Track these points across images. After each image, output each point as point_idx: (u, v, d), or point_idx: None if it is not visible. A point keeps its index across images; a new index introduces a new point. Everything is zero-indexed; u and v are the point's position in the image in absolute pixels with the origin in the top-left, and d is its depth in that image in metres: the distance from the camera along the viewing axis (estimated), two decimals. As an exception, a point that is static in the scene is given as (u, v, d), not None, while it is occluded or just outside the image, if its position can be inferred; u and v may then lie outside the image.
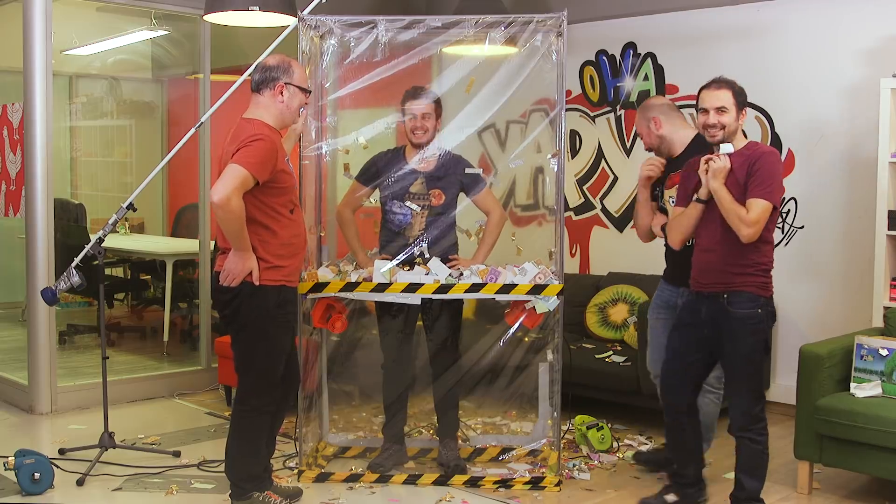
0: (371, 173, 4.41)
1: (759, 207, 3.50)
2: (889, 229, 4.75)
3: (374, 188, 4.41)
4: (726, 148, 3.60)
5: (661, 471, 4.22)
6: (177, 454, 4.58)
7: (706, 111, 3.62)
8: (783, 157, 5.50)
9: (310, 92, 3.76)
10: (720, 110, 3.60)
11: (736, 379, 3.68)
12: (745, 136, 3.71)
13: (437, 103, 4.36)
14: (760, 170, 3.53)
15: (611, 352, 5.36)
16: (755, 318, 3.59)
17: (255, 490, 3.76)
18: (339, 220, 4.50)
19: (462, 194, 4.45)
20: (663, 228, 4.01)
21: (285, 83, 3.62)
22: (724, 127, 3.60)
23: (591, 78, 6.37)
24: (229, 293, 3.62)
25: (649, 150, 4.28)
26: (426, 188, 4.36)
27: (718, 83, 3.66)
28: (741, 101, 3.64)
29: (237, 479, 3.77)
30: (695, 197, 3.67)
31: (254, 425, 3.74)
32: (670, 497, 3.91)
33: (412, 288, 4.15)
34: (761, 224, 3.52)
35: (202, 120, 4.73)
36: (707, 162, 3.61)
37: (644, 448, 4.67)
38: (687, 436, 3.86)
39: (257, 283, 3.58)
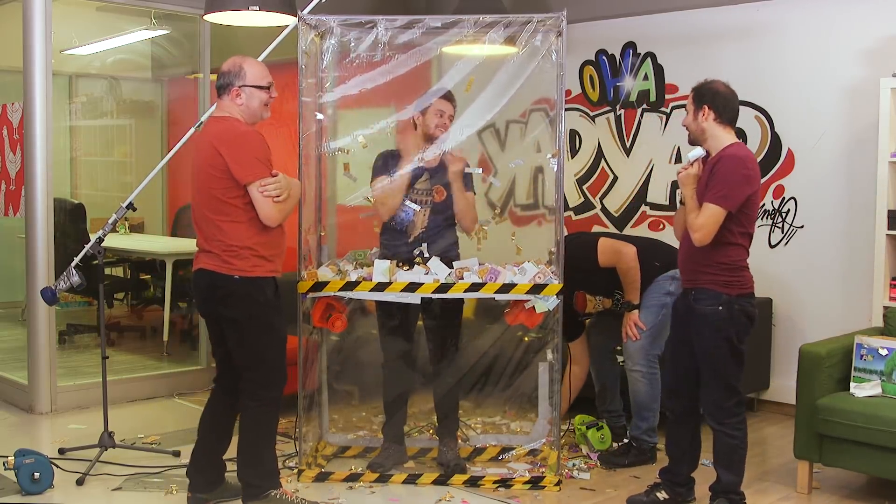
0: (384, 168, 4.40)
1: (706, 212, 3.60)
2: (889, 229, 4.76)
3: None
4: (695, 153, 3.71)
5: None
6: (177, 454, 4.58)
7: None
8: (782, 157, 5.51)
9: (268, 87, 3.76)
10: (686, 110, 3.76)
11: (704, 372, 3.75)
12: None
13: None
14: (716, 174, 3.61)
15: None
16: (715, 314, 3.66)
17: (272, 487, 3.76)
18: (380, 206, 4.38)
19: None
20: None
21: (239, 86, 3.69)
22: (686, 126, 3.75)
23: (591, 78, 6.37)
24: (224, 289, 3.65)
25: None
26: (430, 184, 4.37)
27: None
28: (699, 101, 3.71)
29: (255, 477, 3.76)
30: (678, 198, 3.83)
31: (272, 418, 3.79)
32: (661, 494, 3.96)
33: (412, 287, 4.15)
34: (707, 228, 3.59)
35: (202, 119, 4.71)
36: (678, 172, 3.75)
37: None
38: (683, 435, 3.91)
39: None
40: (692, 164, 3.71)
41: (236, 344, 3.74)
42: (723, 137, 3.69)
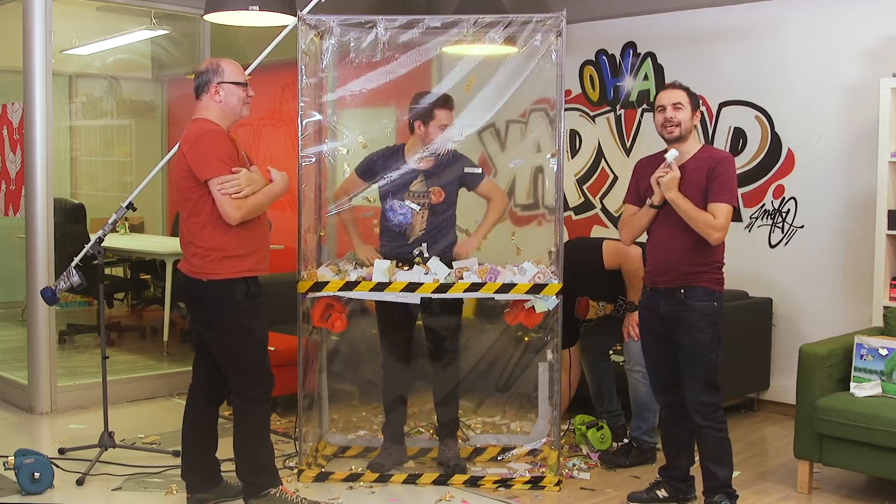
0: (369, 169, 4.41)
1: (724, 212, 3.67)
2: (889, 229, 4.76)
3: (370, 184, 4.40)
4: (672, 155, 3.73)
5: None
6: (177, 454, 4.56)
7: (663, 108, 3.77)
8: (782, 157, 5.52)
9: (245, 83, 3.77)
10: (676, 106, 3.75)
11: (691, 370, 3.77)
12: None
13: None
14: (722, 175, 3.68)
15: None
16: (711, 310, 3.73)
17: (271, 486, 3.78)
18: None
19: (463, 190, 4.45)
20: None
21: (218, 83, 3.70)
22: (679, 123, 3.75)
23: (591, 77, 6.37)
24: (195, 291, 3.68)
25: None
26: (426, 186, 4.36)
27: (673, 85, 3.85)
28: (695, 103, 3.80)
29: (252, 475, 3.78)
30: (648, 202, 3.80)
31: (260, 415, 3.80)
32: (661, 492, 3.99)
33: (411, 287, 4.15)
34: (727, 228, 3.68)
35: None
36: (657, 177, 3.73)
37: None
38: (678, 431, 3.94)
39: None
40: (670, 167, 3.73)
41: (213, 345, 3.77)
42: (695, 140, 3.84)
